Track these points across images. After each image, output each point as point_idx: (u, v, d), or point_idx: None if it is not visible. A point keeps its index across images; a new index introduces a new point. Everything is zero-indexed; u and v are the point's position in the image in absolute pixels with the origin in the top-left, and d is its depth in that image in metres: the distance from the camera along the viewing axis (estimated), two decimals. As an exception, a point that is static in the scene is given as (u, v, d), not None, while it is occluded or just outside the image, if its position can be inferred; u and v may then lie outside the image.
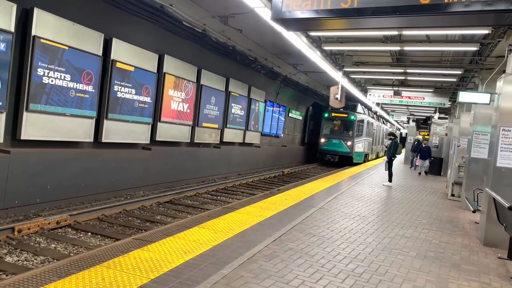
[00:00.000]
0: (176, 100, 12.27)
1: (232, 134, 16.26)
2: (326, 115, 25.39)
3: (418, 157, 19.38)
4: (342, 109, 22.96)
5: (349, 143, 24.28)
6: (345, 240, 5.85)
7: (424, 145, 19.03)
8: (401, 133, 53.26)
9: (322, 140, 25.02)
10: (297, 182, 13.81)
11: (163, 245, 4.83)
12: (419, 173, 18.90)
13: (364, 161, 26.47)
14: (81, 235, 6.94)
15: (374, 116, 33.13)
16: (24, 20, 7.66)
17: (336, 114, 24.89)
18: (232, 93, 15.67)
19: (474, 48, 9.60)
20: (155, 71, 11.15)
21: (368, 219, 7.54)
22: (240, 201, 10.20)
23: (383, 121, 38.77)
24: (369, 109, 28.98)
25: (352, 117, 24.75)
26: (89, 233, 7.01)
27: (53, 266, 4.57)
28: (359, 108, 25.79)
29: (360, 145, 25.22)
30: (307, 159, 27.17)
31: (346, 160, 24.21)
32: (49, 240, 6.45)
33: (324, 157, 24.66)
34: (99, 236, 6.93)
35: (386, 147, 14.55)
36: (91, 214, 7.94)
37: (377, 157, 35.34)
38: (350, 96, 18.97)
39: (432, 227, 7.39)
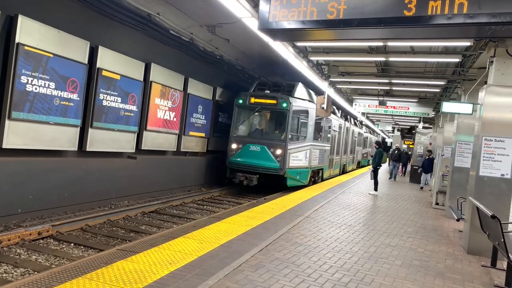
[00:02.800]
0: (163, 108, 12.19)
1: (219, 143, 16.19)
2: (240, 101, 14.32)
3: (400, 166, 19.52)
4: (268, 91, 14.32)
5: (278, 151, 13.38)
6: (331, 249, 5.85)
7: (427, 157, 16.81)
8: (383, 140, 51.45)
9: (233, 145, 14.06)
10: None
11: (147, 256, 4.75)
12: (421, 188, 16.96)
13: (315, 181, 16.29)
14: (64, 246, 6.79)
15: (355, 121, 27.24)
16: (8, 27, 7.55)
17: (258, 100, 14.10)
18: (218, 102, 15.65)
19: (457, 60, 9.81)
20: (142, 80, 11.08)
21: (354, 228, 7.56)
22: (226, 211, 10.14)
23: (360, 125, 31.08)
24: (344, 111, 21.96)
25: (285, 105, 13.64)
26: (72, 244, 6.86)
27: (33, 278, 4.46)
28: (300, 90, 14.81)
29: (301, 155, 14.24)
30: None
31: (275, 181, 13.94)
32: (30, 252, 6.29)
33: (233, 178, 13.70)
34: (82, 247, 6.79)
35: (371, 156, 14.73)
36: (74, 224, 7.79)
37: (360, 166, 30.66)
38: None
39: (417, 235, 7.44)
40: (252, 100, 14.17)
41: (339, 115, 21.34)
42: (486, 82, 6.71)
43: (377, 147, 14.15)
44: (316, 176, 16.62)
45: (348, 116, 24.62)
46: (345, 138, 22.76)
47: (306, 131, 14.67)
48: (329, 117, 17.02)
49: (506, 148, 6.23)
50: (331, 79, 13.78)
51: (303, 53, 10.74)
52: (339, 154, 21.56)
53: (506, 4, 3.57)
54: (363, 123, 30.97)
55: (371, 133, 39.89)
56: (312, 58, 11.43)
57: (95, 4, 8.99)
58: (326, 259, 5.36)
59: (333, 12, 4.15)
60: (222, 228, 6.48)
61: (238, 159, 13.78)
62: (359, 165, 31.00)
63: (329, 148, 18.10)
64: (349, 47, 10.44)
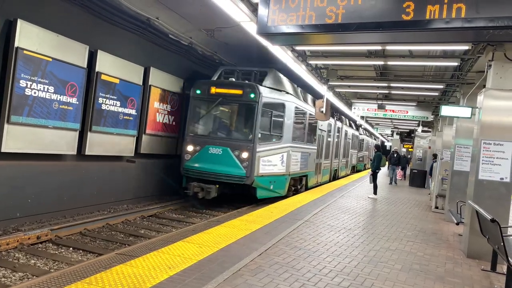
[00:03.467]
0: (162, 112, 12.20)
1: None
2: (198, 91, 11.65)
3: (400, 169, 19.30)
4: (233, 78, 11.92)
5: (244, 154, 10.86)
6: (331, 254, 5.84)
7: (434, 161, 15.49)
8: (382, 143, 49.23)
9: (189, 147, 11.38)
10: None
11: (146, 260, 4.74)
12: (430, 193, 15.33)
13: (297, 191, 13.78)
14: (63, 250, 6.77)
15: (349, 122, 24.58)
16: (7, 31, 7.56)
17: (219, 90, 11.45)
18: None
19: (455, 63, 9.83)
20: (141, 84, 11.09)
21: (354, 231, 7.55)
22: (225, 214, 10.12)
23: (355, 126, 28.40)
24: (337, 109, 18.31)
25: (253, 96, 11.09)
26: (71, 248, 6.84)
27: (32, 283, 4.45)
28: (275, 79, 12.35)
29: (276, 159, 11.73)
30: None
31: (243, 191, 11.43)
32: (28, 256, 6.27)
33: (187, 189, 11.00)
34: (81, 251, 6.77)
35: (371, 159, 14.62)
36: (73, 228, 7.77)
37: (356, 170, 29.16)
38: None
39: (416, 239, 7.43)
40: (213, 90, 11.33)
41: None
42: (484, 86, 6.73)
43: (376, 150, 14.18)
44: (298, 184, 14.01)
45: (342, 116, 22.14)
46: (336, 139, 20.45)
47: (282, 129, 11.98)
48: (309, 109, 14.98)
49: (505, 151, 6.24)
50: (330, 83, 13.79)
51: (302, 57, 10.76)
52: (329, 158, 19.04)
53: (504, 8, 3.58)
54: (360, 124, 28.45)
55: (368, 136, 38.35)
56: (311, 62, 11.44)
57: (94, 8, 9.01)
58: (326, 263, 5.35)
59: (331, 17, 4.16)
60: (221, 232, 6.47)
61: (195, 165, 11.09)
62: (355, 170, 29.23)
63: (315, 150, 15.68)
64: (348, 51, 10.45)
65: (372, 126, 32.85)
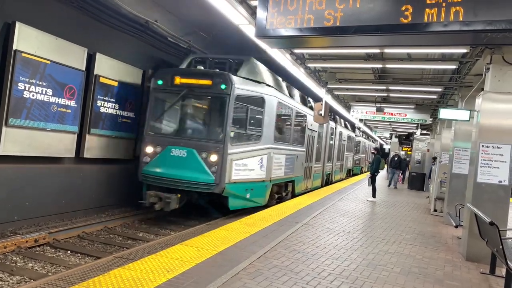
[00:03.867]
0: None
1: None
2: (159, 82, 9.84)
3: (401, 173, 19.10)
4: (201, 66, 10.27)
5: (213, 157, 9.15)
6: (329, 257, 5.82)
7: (434, 164, 14.82)
8: (381, 146, 49.34)
9: (148, 149, 9.60)
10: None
11: (145, 264, 4.72)
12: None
13: (282, 198, 12.30)
14: (60, 253, 6.75)
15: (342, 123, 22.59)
16: (5, 34, 7.56)
17: (185, 80, 9.65)
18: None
19: (453, 66, 9.87)
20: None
21: (353, 235, 7.54)
22: (225, 217, 10.10)
23: (352, 127, 27.18)
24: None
25: (224, 87, 9.36)
26: (69, 252, 6.82)
27: (29, 286, 4.43)
28: (252, 68, 10.67)
29: (253, 163, 10.10)
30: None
31: (213, 200, 9.93)
32: (26, 259, 6.24)
33: (143, 199, 9.32)
34: (79, 254, 6.74)
35: (369, 162, 14.54)
36: (71, 231, 7.75)
37: (351, 174, 27.64)
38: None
39: (415, 242, 7.42)
40: (177, 80, 9.47)
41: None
42: (482, 89, 6.75)
43: (375, 153, 14.18)
44: (282, 191, 12.34)
45: (337, 117, 20.86)
46: (330, 141, 18.87)
47: (261, 128, 10.20)
48: (304, 112, 13.85)
49: (504, 154, 6.25)
50: (329, 86, 13.81)
51: (301, 60, 10.78)
52: (321, 161, 17.42)
53: (502, 11, 3.59)
54: (357, 126, 27.70)
55: (366, 138, 36.74)
56: (309, 65, 11.47)
57: (93, 11, 9.02)
58: (325, 266, 5.34)
59: (330, 20, 4.17)
60: (220, 235, 6.45)
61: (155, 170, 9.19)
62: (351, 174, 27.82)
63: (303, 153, 14.03)
64: (346, 54, 10.49)
65: (371, 129, 32.90)
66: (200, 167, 9.02)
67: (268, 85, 10.84)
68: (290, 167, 12.58)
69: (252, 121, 10.10)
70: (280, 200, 12.07)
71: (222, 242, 5.98)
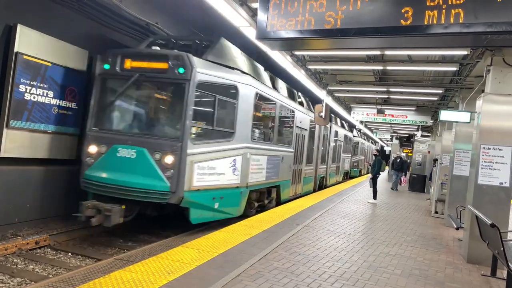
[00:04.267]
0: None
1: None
2: (106, 66, 7.90)
3: (403, 176, 18.90)
4: (159, 48, 8.32)
5: (169, 158, 7.23)
6: (330, 259, 5.82)
7: (434, 165, 14.09)
8: (382, 148, 47.63)
9: (91, 148, 7.70)
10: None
11: (145, 265, 4.72)
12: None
13: (263, 207, 10.68)
14: (61, 255, 6.74)
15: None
16: (7, 37, 7.57)
17: (137, 64, 7.77)
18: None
19: (454, 68, 9.89)
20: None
21: (354, 236, 7.53)
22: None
23: (349, 127, 25.88)
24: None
25: (182, 71, 7.40)
26: (70, 253, 6.81)
27: (30, 288, 4.42)
28: (221, 50, 8.71)
29: (223, 166, 8.28)
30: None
31: (166, 211, 8.09)
32: (27, 261, 6.24)
33: (78, 213, 7.04)
34: (79, 256, 6.74)
35: (370, 164, 14.48)
36: (72, 233, 7.74)
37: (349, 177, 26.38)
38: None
39: (416, 244, 7.41)
40: (128, 64, 7.77)
41: (311, 107, 15.31)
42: (483, 91, 6.75)
43: (376, 154, 14.18)
44: (264, 199, 10.69)
45: (332, 115, 19.00)
46: (323, 141, 17.15)
47: (233, 123, 8.45)
48: (292, 107, 12.28)
49: (504, 156, 6.24)
50: (329, 88, 13.83)
51: (301, 61, 10.81)
52: (313, 163, 15.72)
53: (502, 13, 3.60)
54: (354, 126, 26.74)
55: (365, 139, 35.17)
56: (310, 67, 11.50)
57: (96, 14, 9.05)
58: (326, 268, 5.33)
59: (330, 22, 4.18)
60: (221, 237, 6.45)
61: (98, 174, 7.45)
62: (348, 176, 26.42)
63: (291, 154, 12.45)
64: (347, 56, 10.51)
65: (372, 131, 32.90)
66: (152, 171, 7.21)
67: (244, 73, 9.05)
68: (274, 170, 10.98)
69: (221, 115, 8.36)
70: (263, 209, 10.35)
71: (222, 244, 5.98)
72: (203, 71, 7.60)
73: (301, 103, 13.85)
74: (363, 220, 9.59)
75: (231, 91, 8.41)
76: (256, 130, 9.88)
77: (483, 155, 6.33)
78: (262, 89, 9.83)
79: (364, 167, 34.18)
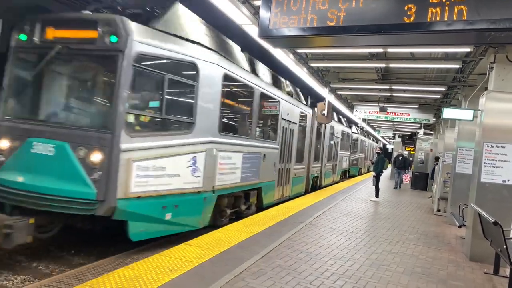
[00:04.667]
0: None
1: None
2: (23, 37, 5.96)
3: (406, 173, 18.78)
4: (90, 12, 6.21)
5: (96, 156, 5.40)
6: (332, 257, 5.82)
7: (436, 164, 14.20)
8: (384, 145, 47.04)
9: (2, 143, 5.86)
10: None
11: (148, 263, 4.74)
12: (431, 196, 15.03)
13: (240, 214, 8.90)
14: (64, 253, 6.76)
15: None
16: None
17: (59, 33, 5.85)
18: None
19: (457, 66, 9.86)
20: None
21: (356, 234, 7.53)
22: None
23: (347, 123, 24.23)
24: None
25: (114, 39, 5.49)
26: (73, 251, 6.83)
27: (34, 286, 4.45)
28: (172, 17, 6.60)
29: (180, 164, 6.39)
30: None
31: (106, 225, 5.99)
32: (30, 259, 6.26)
33: None
34: (82, 253, 6.75)
35: (372, 162, 14.41)
36: (75, 230, 7.75)
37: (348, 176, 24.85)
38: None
39: (419, 242, 7.41)
40: (49, 33, 5.99)
41: (302, 98, 13.98)
42: (486, 88, 6.73)
43: (379, 152, 14.13)
44: (241, 204, 8.96)
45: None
46: (317, 136, 15.23)
47: (193, 111, 6.69)
48: (277, 96, 10.59)
49: (507, 154, 6.23)
50: (332, 85, 13.81)
51: (303, 59, 10.79)
52: (304, 161, 13.99)
53: (505, 10, 3.58)
54: (355, 122, 25.12)
55: (365, 136, 32.98)
56: (312, 65, 11.48)
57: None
58: (328, 266, 5.33)
59: (333, 19, 4.17)
60: (223, 235, 6.46)
61: (9, 177, 5.69)
62: (347, 175, 24.98)
63: (276, 150, 10.79)
64: (349, 54, 10.49)
65: (374, 129, 32.84)
66: (74, 172, 5.44)
67: (209, 48, 7.18)
68: (253, 170, 9.26)
69: (175, 101, 6.64)
70: (239, 217, 8.72)
71: (225, 242, 5.99)
72: (145, 40, 5.77)
73: (289, 93, 12.25)
74: (366, 218, 9.58)
75: (188, 70, 6.64)
76: (227, 122, 8.37)
77: (486, 153, 6.31)
78: (234, 71, 8.00)
79: (364, 165, 32.35)
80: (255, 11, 6.82)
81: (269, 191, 10.55)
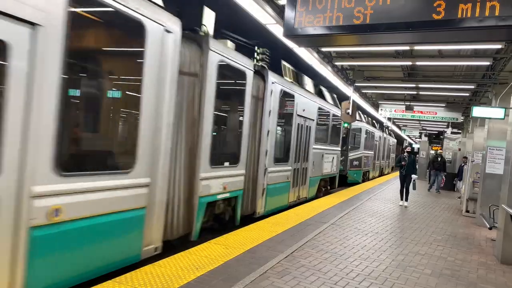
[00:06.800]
0: None
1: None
2: None
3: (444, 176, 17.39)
4: None
5: None
6: (358, 257, 5.76)
7: (463, 164, 13.52)
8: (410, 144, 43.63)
9: None
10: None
11: (174, 261, 4.81)
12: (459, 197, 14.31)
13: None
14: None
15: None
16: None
17: None
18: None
19: (487, 63, 9.56)
20: None
21: (382, 235, 7.43)
22: None
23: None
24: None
25: None
26: (101, 248, 7.01)
27: (65, 280, 4.55)
28: None
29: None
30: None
31: None
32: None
33: None
34: (110, 250, 6.92)
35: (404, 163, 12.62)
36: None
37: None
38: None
39: (447, 244, 7.24)
40: None
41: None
42: (518, 86, 6.51)
43: (410, 152, 12.84)
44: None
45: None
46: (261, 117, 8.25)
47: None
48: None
49: (542, 154, 6.01)
50: (356, 84, 13.64)
51: (328, 58, 10.71)
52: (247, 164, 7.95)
53: (541, 5, 3.46)
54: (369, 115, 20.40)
55: (373, 125, 23.22)
56: (336, 63, 11.38)
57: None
58: (353, 266, 5.28)
59: (359, 17, 4.12)
60: (247, 234, 6.49)
61: None
62: (335, 185, 14.48)
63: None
64: (375, 52, 10.34)
65: (400, 128, 32.24)
66: None
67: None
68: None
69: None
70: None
71: (249, 241, 6.02)
72: None
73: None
74: (391, 219, 9.43)
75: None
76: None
77: (518, 152, 6.11)
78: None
79: (374, 167, 23.37)
80: (279, 10, 6.82)
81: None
